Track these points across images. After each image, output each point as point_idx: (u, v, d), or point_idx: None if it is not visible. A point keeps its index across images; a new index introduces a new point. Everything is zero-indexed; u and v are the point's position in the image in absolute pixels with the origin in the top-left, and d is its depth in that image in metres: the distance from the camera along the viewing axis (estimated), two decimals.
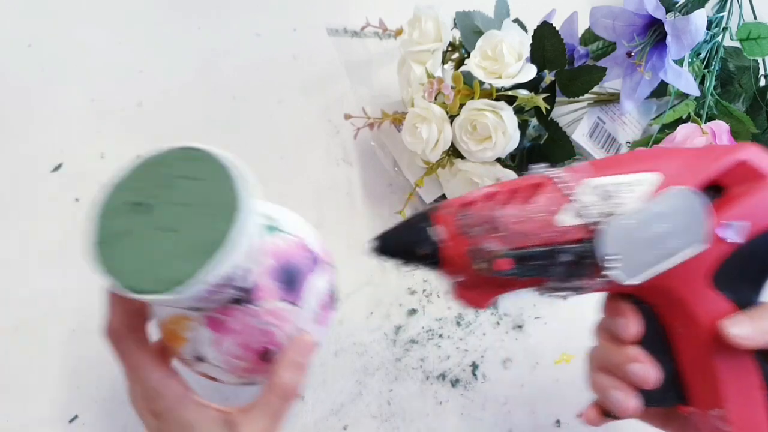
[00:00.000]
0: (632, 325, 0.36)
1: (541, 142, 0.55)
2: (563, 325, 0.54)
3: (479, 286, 0.36)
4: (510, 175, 0.53)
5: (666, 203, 0.33)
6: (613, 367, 0.37)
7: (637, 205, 0.33)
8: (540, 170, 0.35)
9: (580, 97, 0.55)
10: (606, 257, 0.33)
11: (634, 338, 0.37)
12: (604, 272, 0.33)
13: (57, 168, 0.61)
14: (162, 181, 0.34)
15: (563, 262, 0.34)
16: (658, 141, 0.55)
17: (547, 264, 0.34)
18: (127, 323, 0.38)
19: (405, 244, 0.36)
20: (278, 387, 0.38)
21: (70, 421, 0.49)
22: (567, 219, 0.34)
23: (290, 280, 0.39)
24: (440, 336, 0.54)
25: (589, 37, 0.60)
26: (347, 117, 0.59)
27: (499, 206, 0.34)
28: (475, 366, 0.52)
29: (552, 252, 0.34)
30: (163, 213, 0.34)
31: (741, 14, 0.59)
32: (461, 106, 0.52)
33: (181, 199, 0.34)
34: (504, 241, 0.34)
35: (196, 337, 0.38)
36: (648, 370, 0.36)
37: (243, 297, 0.37)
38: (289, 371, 0.38)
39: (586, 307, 0.55)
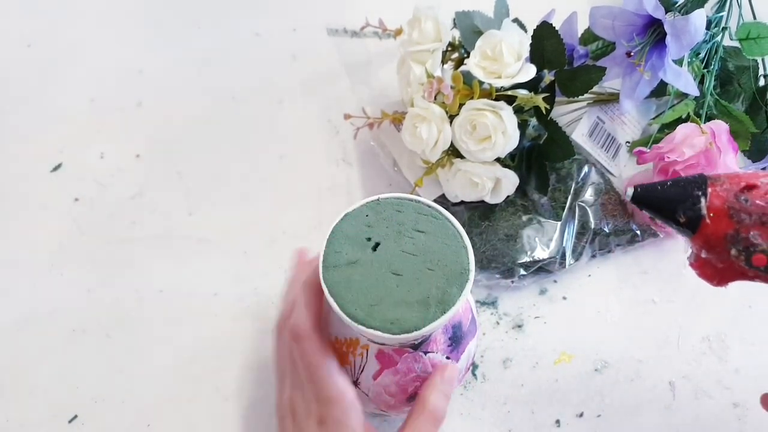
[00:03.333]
0: None
1: (541, 142, 0.55)
2: (563, 324, 0.54)
3: (724, 267, 0.35)
4: (510, 175, 0.53)
5: None
6: None
7: None
8: None
9: (580, 97, 0.55)
10: None
11: None
12: None
13: (56, 168, 0.61)
14: (393, 227, 0.37)
15: None
16: (657, 141, 0.55)
17: None
18: (313, 325, 0.38)
19: (668, 202, 0.35)
20: (430, 412, 0.38)
21: (70, 421, 0.49)
22: None
23: (457, 339, 0.41)
24: None
25: (588, 36, 0.60)
26: (347, 117, 0.59)
27: None
28: (474, 366, 0.52)
29: None
30: (390, 254, 0.36)
31: (740, 14, 0.59)
32: (461, 105, 0.52)
33: (409, 249, 0.36)
34: None
35: (361, 364, 0.39)
36: None
37: (418, 345, 0.39)
38: (440, 397, 0.38)
39: (585, 308, 0.55)
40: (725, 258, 0.34)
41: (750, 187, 0.33)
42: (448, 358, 0.40)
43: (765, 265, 0.33)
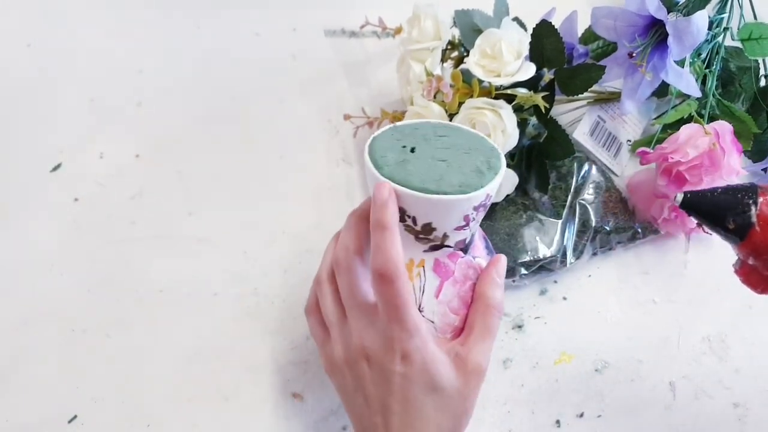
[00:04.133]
0: None
1: (541, 141, 0.55)
2: (563, 324, 0.54)
3: None
4: (510, 173, 0.53)
5: None
6: None
7: None
8: None
9: (580, 96, 0.55)
10: None
11: None
12: None
13: (56, 168, 0.61)
14: (419, 137, 0.41)
15: None
16: (660, 141, 0.55)
17: None
18: (401, 263, 0.37)
19: (718, 208, 0.36)
20: (493, 306, 0.41)
21: (70, 421, 0.49)
22: None
23: (490, 250, 0.45)
24: None
25: (589, 36, 0.60)
26: (347, 117, 0.59)
27: None
28: None
29: None
30: (428, 152, 0.40)
31: (741, 14, 0.59)
32: (460, 104, 0.52)
33: (442, 146, 0.40)
34: None
35: (420, 285, 0.41)
36: None
37: (465, 249, 0.42)
38: (498, 290, 0.41)
39: (585, 308, 0.55)
40: None
41: None
42: None
43: None
